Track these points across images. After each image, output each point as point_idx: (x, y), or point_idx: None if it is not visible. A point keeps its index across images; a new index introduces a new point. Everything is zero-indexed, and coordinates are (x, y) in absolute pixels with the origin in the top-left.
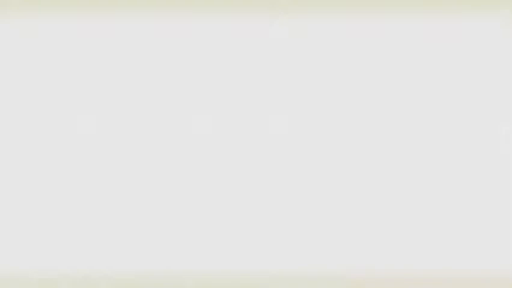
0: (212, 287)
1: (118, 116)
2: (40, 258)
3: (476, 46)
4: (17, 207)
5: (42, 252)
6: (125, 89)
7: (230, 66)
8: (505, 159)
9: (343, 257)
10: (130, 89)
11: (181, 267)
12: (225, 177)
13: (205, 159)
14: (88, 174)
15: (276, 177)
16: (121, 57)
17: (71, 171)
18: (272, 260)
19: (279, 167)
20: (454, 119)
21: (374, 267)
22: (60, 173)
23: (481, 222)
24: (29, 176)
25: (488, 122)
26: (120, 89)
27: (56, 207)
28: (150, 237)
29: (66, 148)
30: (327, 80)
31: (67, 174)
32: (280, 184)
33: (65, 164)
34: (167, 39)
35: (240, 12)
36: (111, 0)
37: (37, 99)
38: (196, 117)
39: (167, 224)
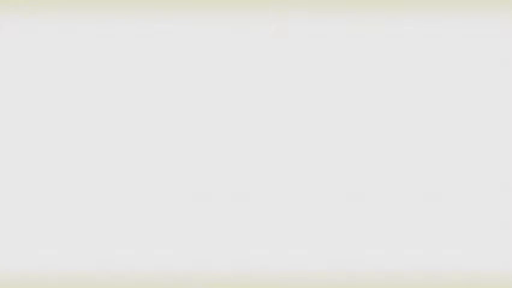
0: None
1: (118, 116)
2: (40, 259)
3: (476, 46)
4: (17, 207)
5: (43, 252)
6: (125, 90)
7: (227, 67)
8: (505, 159)
9: (343, 257)
10: (129, 90)
11: (180, 267)
12: (223, 177)
13: (205, 159)
14: (87, 175)
15: (275, 178)
16: (121, 57)
17: (70, 171)
18: (272, 260)
19: (279, 167)
20: (454, 119)
21: (373, 267)
22: (60, 173)
23: (481, 223)
24: (29, 176)
25: (488, 122)
26: (120, 90)
27: (56, 207)
28: (150, 238)
29: (66, 148)
30: (328, 80)
31: (66, 175)
32: (279, 184)
33: (64, 164)
34: (166, 40)
35: (239, 12)
36: (111, 1)
37: (37, 99)
38: (195, 118)
39: (167, 224)
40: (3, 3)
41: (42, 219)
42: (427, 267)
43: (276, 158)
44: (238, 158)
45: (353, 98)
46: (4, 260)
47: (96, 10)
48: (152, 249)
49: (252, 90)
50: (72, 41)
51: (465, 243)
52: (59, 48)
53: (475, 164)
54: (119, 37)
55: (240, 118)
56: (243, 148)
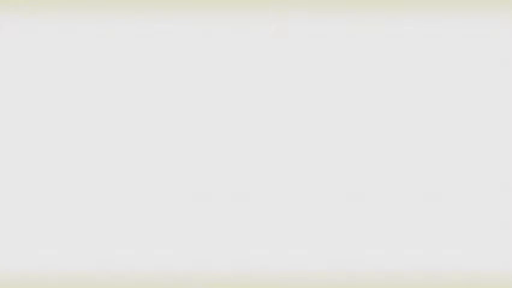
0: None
1: (118, 116)
2: (40, 259)
3: (476, 46)
4: (17, 207)
5: (43, 252)
6: (125, 90)
7: (227, 67)
8: (505, 159)
9: (343, 257)
10: (129, 90)
11: (180, 267)
12: (223, 177)
13: (205, 159)
14: (87, 175)
15: (275, 178)
16: (121, 57)
17: (70, 171)
18: (272, 260)
19: (279, 167)
20: (454, 119)
21: (373, 267)
22: (60, 173)
23: (481, 223)
24: (29, 176)
25: (488, 122)
26: (120, 89)
27: (56, 207)
28: (150, 238)
29: (66, 148)
30: (328, 80)
31: (66, 175)
32: (279, 184)
33: (65, 164)
34: (166, 40)
35: (239, 12)
36: (111, 1)
37: (37, 99)
38: (195, 118)
39: (167, 224)
40: (3, 3)
41: (42, 219)
42: (427, 267)
43: (276, 158)
44: (238, 158)
45: (353, 98)
46: (4, 260)
47: (96, 10)
48: (152, 249)
49: (252, 90)
50: (72, 41)
51: (465, 243)
52: (59, 48)
53: (475, 164)
54: (119, 37)
55: (240, 118)
56: (242, 148)
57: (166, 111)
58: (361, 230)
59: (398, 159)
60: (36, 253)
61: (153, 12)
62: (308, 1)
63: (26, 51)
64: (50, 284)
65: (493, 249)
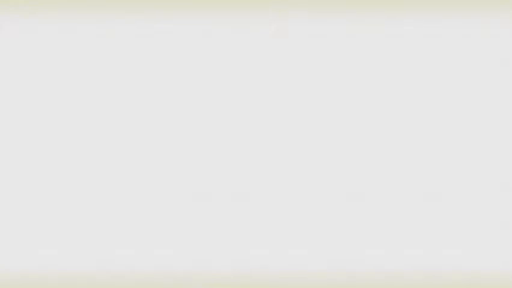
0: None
1: (118, 116)
2: (40, 259)
3: (476, 46)
4: (17, 207)
5: (43, 252)
6: (125, 90)
7: (227, 67)
8: (505, 159)
9: (343, 257)
10: (129, 90)
11: (180, 267)
12: (223, 177)
13: (205, 159)
14: (87, 175)
15: (275, 178)
16: (121, 57)
17: (70, 171)
18: (272, 260)
19: (278, 167)
20: (454, 119)
21: (373, 267)
22: (60, 173)
23: (481, 223)
24: (29, 176)
25: (488, 122)
26: (120, 89)
27: (56, 207)
28: (150, 238)
29: (66, 148)
30: (328, 80)
31: (66, 175)
32: (279, 184)
33: (64, 164)
34: (166, 40)
35: (239, 12)
36: (111, 1)
37: (37, 99)
38: (195, 118)
39: (167, 224)
40: (3, 3)
41: (42, 219)
42: (427, 267)
43: (275, 158)
44: (238, 158)
45: (353, 98)
46: (4, 260)
47: (96, 10)
48: (152, 249)
49: (252, 90)
50: (72, 41)
51: (465, 243)
52: (59, 48)
53: (475, 164)
54: (119, 37)
55: (240, 118)
56: (242, 148)
57: (166, 111)
58: (361, 230)
59: (398, 159)
60: (36, 253)
61: (153, 12)
62: (308, 1)
63: (26, 51)
64: (50, 284)
65: (493, 249)
